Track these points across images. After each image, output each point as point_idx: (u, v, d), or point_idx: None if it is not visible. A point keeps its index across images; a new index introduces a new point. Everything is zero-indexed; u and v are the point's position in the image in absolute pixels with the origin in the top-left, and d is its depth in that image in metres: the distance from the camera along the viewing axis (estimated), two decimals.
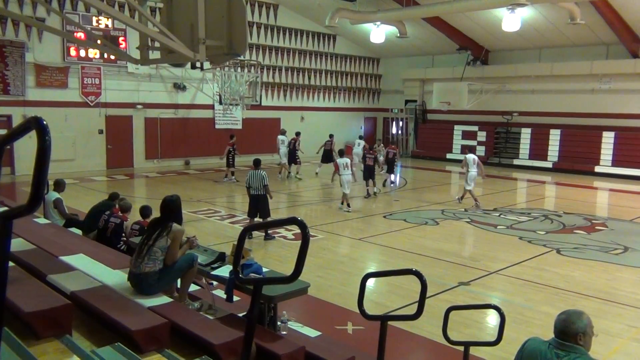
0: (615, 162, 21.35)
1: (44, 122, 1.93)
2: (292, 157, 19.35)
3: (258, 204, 10.39)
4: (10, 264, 3.99)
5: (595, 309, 7.09)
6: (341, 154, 14.45)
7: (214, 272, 5.24)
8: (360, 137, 21.16)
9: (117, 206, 7.73)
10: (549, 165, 22.99)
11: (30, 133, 2.08)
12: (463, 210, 13.93)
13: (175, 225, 4.65)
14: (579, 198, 16.66)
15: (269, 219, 10.31)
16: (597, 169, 21.61)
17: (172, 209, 4.79)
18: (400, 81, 28.41)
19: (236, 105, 20.31)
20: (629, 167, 20.71)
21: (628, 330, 6.58)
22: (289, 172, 19.47)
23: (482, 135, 25.40)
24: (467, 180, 14.38)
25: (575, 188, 18.58)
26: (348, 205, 13.47)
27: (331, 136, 20.80)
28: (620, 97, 21.31)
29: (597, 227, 12.32)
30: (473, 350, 5.24)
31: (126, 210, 7.58)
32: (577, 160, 22.10)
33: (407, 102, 28.20)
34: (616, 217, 13.56)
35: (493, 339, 4.54)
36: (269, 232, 10.60)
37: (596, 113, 21.84)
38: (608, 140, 21.63)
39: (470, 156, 14.55)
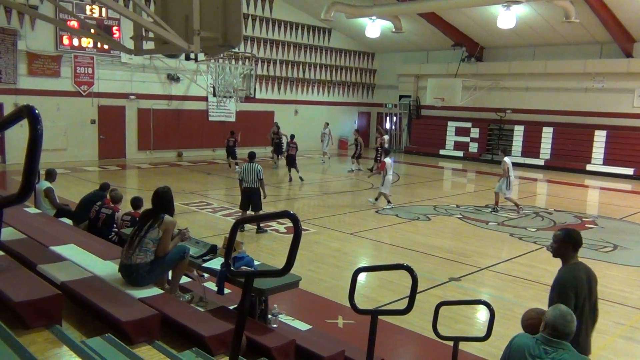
0: (607, 161, 21.50)
1: (36, 111, 1.92)
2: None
3: (251, 197, 10.39)
4: (0, 253, 3.98)
5: None
6: (387, 153, 14.39)
7: (205, 265, 5.24)
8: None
9: (108, 197, 7.70)
10: (541, 162, 23.11)
11: (22, 122, 2.07)
12: (455, 206, 13.98)
13: (167, 217, 4.63)
14: (570, 196, 16.77)
15: (261, 212, 10.31)
16: (589, 167, 21.76)
17: (163, 200, 4.77)
18: (394, 76, 28.41)
19: (230, 97, 20.26)
20: (620, 165, 20.87)
21: (616, 327, 6.65)
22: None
23: (475, 132, 25.48)
24: (507, 186, 13.14)
25: (567, 186, 18.70)
26: (389, 202, 13.38)
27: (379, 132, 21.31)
28: (613, 96, 21.43)
29: (587, 225, 12.41)
30: (462, 346, 5.27)
31: (117, 201, 7.54)
32: (569, 158, 22.23)
33: (401, 97, 28.22)
34: (606, 215, 13.66)
35: (482, 334, 4.57)
36: (261, 225, 10.61)
37: (589, 111, 21.98)
38: (600, 138, 21.77)
39: (509, 159, 13.38)
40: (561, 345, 2.84)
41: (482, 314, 6.79)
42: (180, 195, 13.29)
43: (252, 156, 10.71)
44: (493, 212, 13.29)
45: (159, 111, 21.36)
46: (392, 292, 7.32)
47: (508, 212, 13.42)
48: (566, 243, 4.06)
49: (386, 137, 20.33)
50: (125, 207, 7.81)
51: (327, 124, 22.78)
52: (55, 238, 5.38)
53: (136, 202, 7.25)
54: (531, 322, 3.55)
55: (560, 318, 2.88)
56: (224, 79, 19.43)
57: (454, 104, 23.66)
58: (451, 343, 4.81)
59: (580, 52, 21.99)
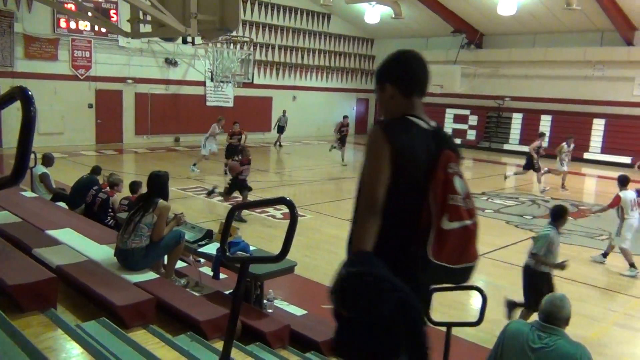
0: (605, 149, 21.51)
1: (29, 92, 1.89)
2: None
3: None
4: None
5: (578, 293, 7.19)
6: (624, 182, 8.89)
7: (201, 250, 5.25)
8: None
9: (105, 182, 7.68)
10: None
11: (17, 105, 2.04)
12: None
13: (161, 201, 4.62)
14: (567, 184, 16.77)
15: (259, 199, 10.22)
16: (586, 155, 21.74)
17: (157, 183, 4.74)
18: None
19: (227, 82, 20.14)
20: (618, 154, 20.87)
21: (609, 314, 6.70)
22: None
23: (473, 119, 25.43)
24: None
25: None
26: (633, 266, 8.32)
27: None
28: (613, 84, 21.37)
29: (583, 213, 12.44)
30: (457, 332, 5.29)
31: (114, 185, 7.51)
32: None
33: None
34: (603, 204, 13.66)
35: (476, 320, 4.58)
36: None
37: (588, 100, 21.93)
38: (598, 127, 21.75)
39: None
40: (554, 331, 2.87)
41: (476, 300, 6.80)
42: (177, 180, 13.25)
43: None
44: None
45: (157, 96, 21.24)
46: None
47: (504, 199, 13.42)
48: None
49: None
50: (124, 192, 7.79)
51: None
52: (51, 222, 5.38)
53: (134, 187, 7.24)
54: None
55: (551, 304, 2.94)
56: (222, 64, 19.29)
57: (452, 91, 23.52)
58: (444, 329, 4.82)
59: (580, 39, 21.86)
